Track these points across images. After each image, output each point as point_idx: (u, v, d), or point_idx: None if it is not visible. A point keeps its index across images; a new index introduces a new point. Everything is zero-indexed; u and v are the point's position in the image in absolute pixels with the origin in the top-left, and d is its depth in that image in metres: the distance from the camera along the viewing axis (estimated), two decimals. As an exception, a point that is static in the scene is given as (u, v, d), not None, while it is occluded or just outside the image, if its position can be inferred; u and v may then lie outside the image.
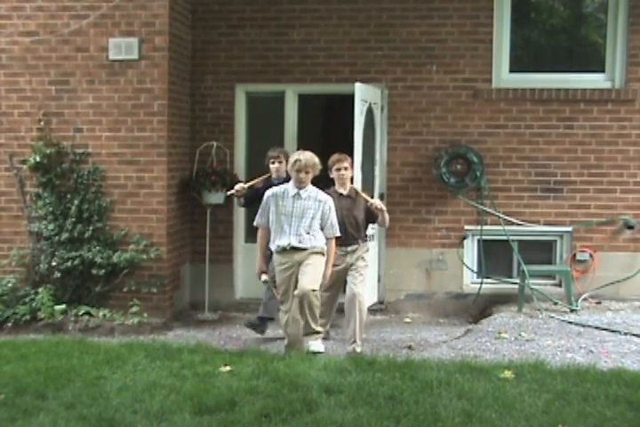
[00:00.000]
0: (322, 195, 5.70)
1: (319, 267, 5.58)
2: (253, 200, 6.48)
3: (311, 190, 5.67)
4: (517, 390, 4.50)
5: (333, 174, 6.13)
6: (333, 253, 5.73)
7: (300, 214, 5.59)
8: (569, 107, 7.42)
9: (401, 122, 7.55)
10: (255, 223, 5.83)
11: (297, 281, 5.55)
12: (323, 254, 5.62)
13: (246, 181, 6.79)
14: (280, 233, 5.61)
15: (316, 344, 5.50)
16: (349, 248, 6.02)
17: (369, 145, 7.20)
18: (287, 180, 6.18)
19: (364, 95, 7.05)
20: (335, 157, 6.12)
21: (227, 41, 7.67)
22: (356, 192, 6.20)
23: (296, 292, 5.51)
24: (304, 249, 5.57)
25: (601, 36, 7.59)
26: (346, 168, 6.09)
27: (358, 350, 5.79)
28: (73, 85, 7.06)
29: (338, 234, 5.71)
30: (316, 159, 5.63)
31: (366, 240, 6.23)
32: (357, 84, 6.88)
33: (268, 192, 5.74)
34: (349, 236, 6.00)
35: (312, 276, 5.51)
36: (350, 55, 7.57)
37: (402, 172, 7.57)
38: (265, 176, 6.66)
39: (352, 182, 6.29)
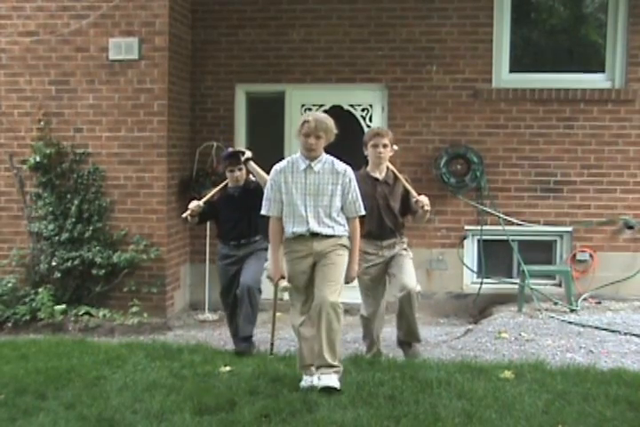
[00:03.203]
0: (339, 164, 4.63)
1: (342, 269, 4.60)
2: (210, 216, 5.87)
3: (325, 160, 4.60)
4: (517, 390, 4.49)
5: (368, 152, 5.16)
6: (359, 239, 4.70)
7: (316, 192, 4.54)
8: (569, 107, 7.42)
9: (401, 122, 7.54)
10: (265, 211, 4.66)
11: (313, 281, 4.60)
12: (347, 248, 4.64)
13: (200, 197, 5.85)
14: (295, 217, 4.56)
15: (328, 378, 4.39)
16: (385, 242, 5.20)
17: (356, 147, 7.15)
18: (245, 187, 5.73)
19: (311, 100, 7.44)
20: (373, 130, 5.27)
21: (227, 41, 7.67)
22: (395, 176, 5.25)
23: (314, 303, 4.53)
24: (326, 237, 4.56)
25: (601, 36, 7.59)
26: (385, 145, 5.11)
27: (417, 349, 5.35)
28: (73, 85, 7.06)
29: (362, 212, 4.69)
30: (330, 122, 4.54)
31: (403, 233, 5.36)
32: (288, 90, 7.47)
33: (275, 169, 4.67)
34: (386, 229, 5.18)
35: (336, 285, 4.52)
36: (350, 55, 7.57)
37: (402, 172, 7.44)
38: (221, 186, 5.84)
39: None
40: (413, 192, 5.17)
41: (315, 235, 4.55)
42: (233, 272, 5.80)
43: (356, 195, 4.64)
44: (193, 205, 5.63)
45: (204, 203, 5.67)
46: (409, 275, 5.16)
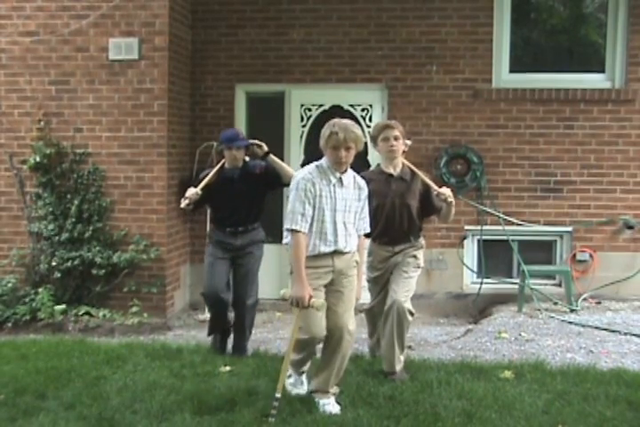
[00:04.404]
0: (360, 179, 4.40)
1: (355, 291, 4.39)
2: (206, 201, 5.47)
3: (349, 174, 4.33)
4: (517, 390, 4.50)
5: (379, 147, 4.77)
6: (366, 255, 4.66)
7: (343, 208, 4.26)
8: (569, 107, 7.42)
9: (401, 122, 7.45)
10: (294, 226, 4.15)
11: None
12: (357, 263, 4.44)
13: (196, 184, 5.41)
14: (321, 234, 4.22)
15: (330, 405, 4.28)
16: (397, 248, 4.83)
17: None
18: (244, 169, 5.40)
19: (310, 100, 7.52)
20: (381, 123, 4.89)
21: (227, 41, 7.67)
22: (412, 172, 4.84)
23: (330, 326, 4.25)
24: (344, 253, 4.30)
25: (601, 36, 7.59)
26: (396, 138, 4.70)
27: (398, 368, 4.80)
28: (73, 85, 7.06)
29: (369, 230, 4.48)
30: (359, 130, 4.20)
31: (420, 236, 4.94)
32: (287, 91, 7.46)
33: (306, 178, 4.19)
34: (399, 233, 4.79)
35: (352, 308, 4.35)
36: (350, 55, 7.57)
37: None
38: (217, 168, 5.45)
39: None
40: (434, 186, 4.77)
41: (336, 251, 4.28)
42: (224, 270, 5.47)
43: (367, 211, 4.46)
44: (190, 193, 5.28)
45: (202, 189, 5.31)
46: (403, 290, 4.75)
